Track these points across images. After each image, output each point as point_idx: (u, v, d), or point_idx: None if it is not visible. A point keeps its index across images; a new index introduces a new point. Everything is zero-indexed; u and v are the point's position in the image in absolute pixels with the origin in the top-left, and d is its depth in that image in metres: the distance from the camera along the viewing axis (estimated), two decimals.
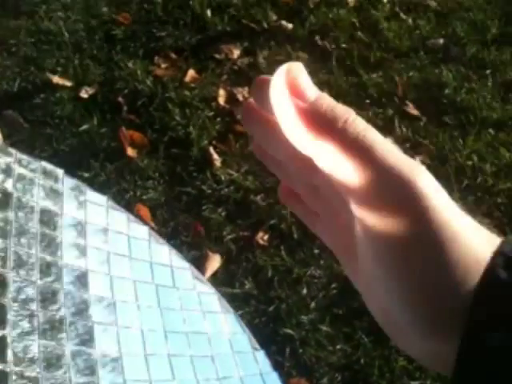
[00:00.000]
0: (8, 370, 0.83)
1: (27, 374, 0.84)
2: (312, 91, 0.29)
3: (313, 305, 1.33)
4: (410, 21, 2.05)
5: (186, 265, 1.34)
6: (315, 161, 0.29)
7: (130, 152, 1.57)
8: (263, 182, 1.56)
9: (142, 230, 1.30)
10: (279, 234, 1.47)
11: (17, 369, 0.86)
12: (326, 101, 0.29)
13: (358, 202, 0.29)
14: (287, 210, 1.50)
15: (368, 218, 0.29)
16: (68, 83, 1.70)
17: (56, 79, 1.69)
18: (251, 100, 0.32)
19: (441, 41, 2.02)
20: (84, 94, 1.68)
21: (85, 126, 1.59)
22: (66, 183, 1.19)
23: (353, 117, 0.28)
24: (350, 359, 1.23)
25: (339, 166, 0.28)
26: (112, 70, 1.76)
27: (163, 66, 1.81)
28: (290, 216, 1.48)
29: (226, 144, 1.64)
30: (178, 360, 1.13)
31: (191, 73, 1.78)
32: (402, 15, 2.07)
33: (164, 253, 1.30)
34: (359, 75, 1.83)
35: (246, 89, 1.78)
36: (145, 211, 1.42)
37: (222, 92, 1.74)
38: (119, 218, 1.24)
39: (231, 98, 1.75)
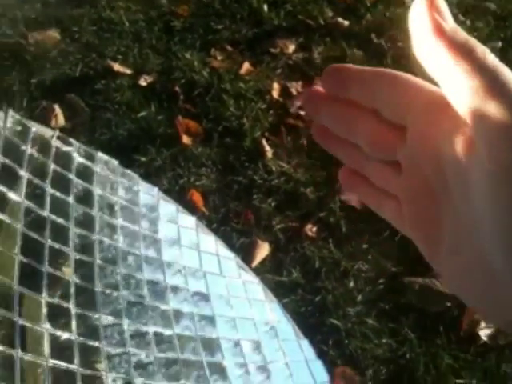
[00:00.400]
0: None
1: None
2: (451, 19, 0.27)
3: (359, 298, 1.33)
4: (469, 22, 2.02)
5: (231, 255, 1.36)
6: (442, 87, 0.28)
7: (185, 140, 1.61)
8: (314, 176, 1.57)
9: (190, 220, 1.34)
10: (328, 226, 1.48)
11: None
12: (464, 33, 0.27)
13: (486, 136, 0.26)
14: (336, 204, 1.51)
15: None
16: (128, 71, 1.75)
17: (116, 66, 1.74)
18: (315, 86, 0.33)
19: (499, 44, 1.99)
20: (143, 82, 1.73)
21: (143, 113, 1.64)
22: (120, 173, 1.24)
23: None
24: (395, 353, 1.23)
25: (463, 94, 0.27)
26: (170, 60, 1.80)
27: (219, 58, 1.84)
28: (339, 210, 1.50)
29: (277, 136, 1.66)
30: (224, 342, 1.15)
31: (246, 65, 1.81)
32: (461, 17, 2.04)
33: (211, 242, 1.34)
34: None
35: (300, 83, 1.80)
36: (198, 197, 1.45)
37: (275, 85, 1.77)
38: (169, 209, 1.28)
39: (285, 92, 1.77)
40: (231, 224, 1.45)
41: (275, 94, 1.75)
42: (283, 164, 1.58)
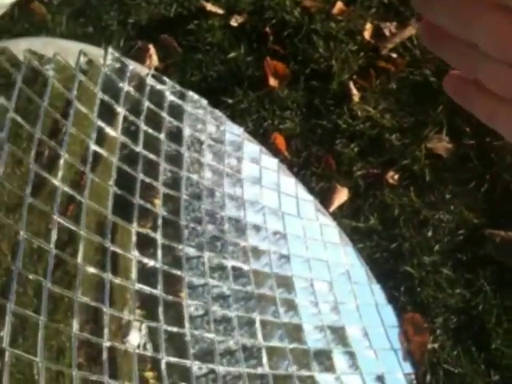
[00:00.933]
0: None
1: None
2: None
3: (437, 248, 1.34)
4: None
5: (310, 197, 1.40)
6: None
7: (272, 82, 1.63)
8: (400, 122, 1.55)
9: (272, 162, 1.38)
10: (410, 174, 1.47)
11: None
12: None
13: None
14: (422, 152, 1.49)
15: None
16: (220, 11, 1.77)
17: (209, 6, 1.77)
18: None
19: None
20: (234, 23, 1.75)
21: (232, 54, 1.67)
22: (209, 112, 1.29)
23: None
24: (468, 304, 1.24)
25: None
26: None
27: None
28: (424, 158, 1.48)
29: (366, 80, 1.64)
30: (298, 281, 1.21)
31: (339, 5, 1.77)
32: None
33: (291, 184, 1.37)
34: None
35: (395, 24, 1.75)
36: (281, 140, 1.49)
37: (368, 26, 1.73)
38: (253, 149, 1.32)
39: (377, 33, 1.73)
40: (312, 168, 1.48)
41: (367, 35, 1.71)
42: (369, 109, 1.57)
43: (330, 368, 1.12)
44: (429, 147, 1.50)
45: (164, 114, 1.17)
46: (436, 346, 1.20)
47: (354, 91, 1.61)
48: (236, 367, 0.95)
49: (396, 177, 1.47)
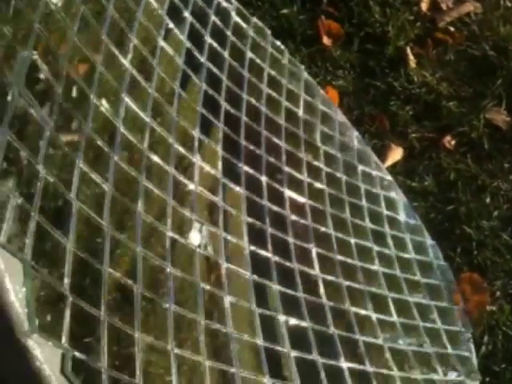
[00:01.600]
0: None
1: None
2: None
3: (495, 214, 1.26)
4: None
5: (368, 149, 1.33)
6: None
7: (326, 41, 1.57)
8: (458, 91, 1.49)
9: (333, 108, 1.31)
10: (468, 141, 1.40)
11: None
12: None
13: None
14: (480, 122, 1.43)
15: None
16: None
17: None
18: None
19: None
20: None
21: (285, 11, 1.62)
22: (271, 42, 1.23)
23: None
24: None
25: None
26: None
27: None
28: (482, 127, 1.41)
29: (423, 48, 1.58)
30: (356, 227, 1.13)
31: None
32: None
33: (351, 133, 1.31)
34: None
35: (451, 0, 1.71)
36: (334, 94, 1.42)
37: None
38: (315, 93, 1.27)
39: (434, 6, 1.68)
40: (365, 126, 1.42)
41: (424, 7, 1.66)
42: (426, 74, 1.51)
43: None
44: (487, 117, 1.43)
45: (229, 33, 1.11)
46: (494, 308, 1.11)
47: (411, 57, 1.55)
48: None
49: (453, 142, 1.40)
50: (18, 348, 0.47)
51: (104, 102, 0.74)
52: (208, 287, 0.77)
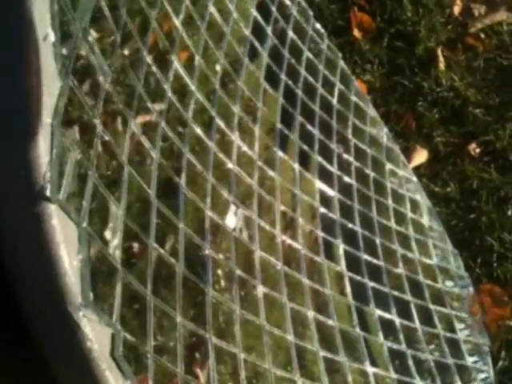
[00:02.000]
0: None
1: None
2: None
3: None
4: None
5: (396, 148, 1.29)
6: None
7: (356, 33, 1.53)
8: (486, 98, 1.46)
9: (365, 100, 1.27)
10: (493, 150, 1.37)
11: None
12: None
13: None
14: (506, 132, 1.40)
15: None
16: None
17: None
18: None
19: None
20: None
21: None
22: (312, 24, 1.18)
23: None
24: None
25: None
26: None
27: None
28: (507, 137, 1.38)
29: (453, 52, 1.55)
30: (382, 227, 1.09)
31: None
32: None
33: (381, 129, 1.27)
34: None
35: (484, 8, 1.67)
36: (362, 87, 1.38)
37: (458, 2, 1.64)
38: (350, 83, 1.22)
39: (467, 12, 1.64)
40: (391, 124, 1.37)
41: (456, 11, 1.62)
42: (455, 78, 1.47)
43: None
44: None
45: (273, 8, 1.05)
46: None
47: (441, 59, 1.51)
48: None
49: (478, 150, 1.37)
50: (69, 324, 0.41)
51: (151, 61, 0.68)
52: (242, 274, 0.72)
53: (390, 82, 1.47)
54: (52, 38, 0.52)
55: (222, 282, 0.81)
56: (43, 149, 0.44)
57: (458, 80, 1.49)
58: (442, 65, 1.51)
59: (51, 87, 0.48)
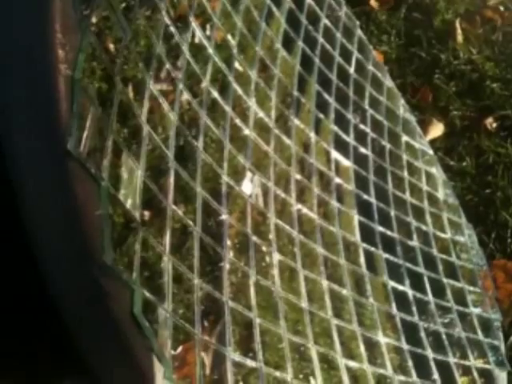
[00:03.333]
0: None
1: None
2: None
3: None
4: None
5: (413, 120, 1.27)
6: None
7: (373, 3, 1.49)
8: (503, 72, 1.43)
9: (383, 71, 1.25)
10: (509, 125, 1.35)
11: None
12: None
13: None
14: None
15: None
16: None
17: None
18: None
19: None
20: None
21: None
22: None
23: None
24: None
25: None
26: None
27: None
28: None
29: (471, 24, 1.52)
30: (396, 199, 1.08)
31: None
32: None
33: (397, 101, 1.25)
34: None
35: None
36: (380, 58, 1.36)
37: None
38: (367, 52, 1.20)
39: None
40: (407, 96, 1.35)
41: None
42: (473, 51, 1.44)
43: None
44: None
45: None
46: None
47: (459, 31, 1.48)
48: None
49: (494, 125, 1.35)
50: (92, 281, 0.41)
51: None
52: (258, 240, 0.71)
53: (407, 54, 1.44)
54: None
55: (231, 253, 0.81)
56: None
57: (476, 53, 1.46)
58: (460, 37, 1.48)
59: (72, 41, 0.47)
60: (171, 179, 0.56)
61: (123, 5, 0.71)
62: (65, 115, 0.42)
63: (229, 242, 0.84)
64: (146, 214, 0.85)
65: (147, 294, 0.45)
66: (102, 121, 0.44)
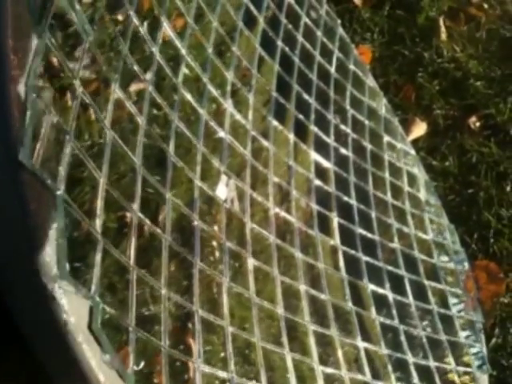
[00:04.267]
0: None
1: None
2: None
3: None
4: None
5: (395, 120, 1.26)
6: None
7: (357, 0, 1.48)
8: (487, 71, 1.42)
9: (365, 70, 1.24)
10: (493, 124, 1.34)
11: None
12: None
13: None
14: (507, 105, 1.37)
15: None
16: None
17: None
18: None
19: None
20: None
21: None
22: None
23: None
24: None
25: None
26: None
27: None
28: (509, 112, 1.35)
29: (455, 22, 1.51)
30: (378, 200, 1.07)
31: None
32: None
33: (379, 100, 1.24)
34: None
35: None
36: (368, 55, 1.34)
37: None
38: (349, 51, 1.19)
39: None
40: (390, 95, 1.34)
41: None
42: (457, 49, 1.43)
43: None
44: None
45: None
46: (507, 300, 1.07)
47: (443, 29, 1.47)
48: None
49: (478, 124, 1.34)
50: (44, 296, 0.39)
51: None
52: (233, 246, 0.70)
53: (390, 52, 1.43)
54: None
55: (217, 253, 0.79)
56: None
57: (460, 51, 1.45)
58: (443, 35, 1.47)
59: (25, 44, 0.45)
60: (138, 185, 0.54)
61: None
62: (17, 124, 0.40)
63: (215, 243, 0.82)
64: (129, 216, 0.83)
65: (107, 309, 0.43)
66: (59, 128, 0.42)
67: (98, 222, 0.46)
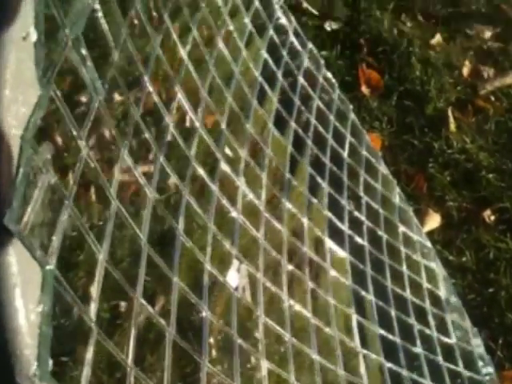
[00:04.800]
0: None
1: None
2: None
3: None
4: None
5: (409, 209, 1.19)
6: None
7: (364, 89, 1.46)
8: (498, 163, 1.38)
9: (377, 156, 1.20)
10: (508, 219, 1.28)
11: None
12: None
13: None
14: None
15: None
16: (315, 11, 1.64)
17: (305, 4, 1.64)
18: None
19: None
20: (327, 27, 1.62)
21: (324, 52, 1.51)
22: (323, 74, 1.11)
23: None
24: None
25: None
26: (358, 13, 1.68)
27: (409, 25, 1.71)
28: None
29: (463, 114, 1.49)
30: (397, 297, 0.98)
31: (438, 38, 1.66)
32: None
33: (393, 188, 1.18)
34: None
35: (493, 70, 1.63)
36: (377, 143, 1.30)
37: (467, 63, 1.61)
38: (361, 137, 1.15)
39: (476, 73, 1.60)
40: (401, 184, 1.28)
41: (465, 71, 1.58)
42: (467, 140, 1.40)
43: None
44: None
45: (284, 52, 0.98)
46: None
47: (452, 119, 1.45)
48: None
49: (492, 218, 1.27)
50: None
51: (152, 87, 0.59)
52: (245, 345, 0.59)
53: (400, 141, 1.39)
54: (34, 37, 0.42)
55: (214, 352, 0.69)
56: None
57: (470, 142, 1.42)
58: (452, 126, 1.44)
59: (27, 95, 0.38)
60: (143, 265, 0.45)
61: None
62: (6, 182, 0.32)
63: (212, 340, 0.71)
64: (123, 305, 0.72)
65: None
66: (56, 190, 0.34)
67: (94, 308, 0.36)
